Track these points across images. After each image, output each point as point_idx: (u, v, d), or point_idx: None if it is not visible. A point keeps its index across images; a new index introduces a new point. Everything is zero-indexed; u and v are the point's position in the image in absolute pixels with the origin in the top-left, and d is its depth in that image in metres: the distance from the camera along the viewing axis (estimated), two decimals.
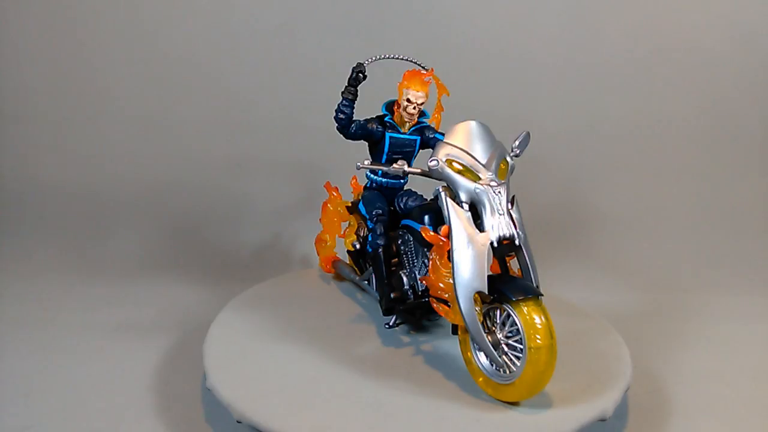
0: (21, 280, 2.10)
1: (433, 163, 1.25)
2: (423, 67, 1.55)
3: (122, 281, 2.11)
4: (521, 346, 1.16)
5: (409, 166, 1.50)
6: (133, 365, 1.58)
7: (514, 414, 1.18)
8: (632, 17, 2.52)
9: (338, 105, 1.48)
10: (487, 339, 1.20)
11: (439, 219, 1.33)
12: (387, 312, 1.46)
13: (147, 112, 2.56)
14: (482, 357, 1.25)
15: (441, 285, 1.26)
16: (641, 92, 2.56)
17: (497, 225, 1.21)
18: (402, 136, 1.53)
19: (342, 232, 1.78)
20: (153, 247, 2.34)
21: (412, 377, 1.30)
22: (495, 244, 1.21)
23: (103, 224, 2.44)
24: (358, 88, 1.48)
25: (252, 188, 2.53)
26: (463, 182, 1.23)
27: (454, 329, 1.31)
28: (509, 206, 1.24)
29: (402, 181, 1.59)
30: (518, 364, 1.17)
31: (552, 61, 2.55)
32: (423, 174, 1.33)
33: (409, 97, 1.47)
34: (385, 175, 1.58)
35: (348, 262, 1.80)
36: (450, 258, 1.20)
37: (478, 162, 1.25)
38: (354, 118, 1.50)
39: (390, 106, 1.54)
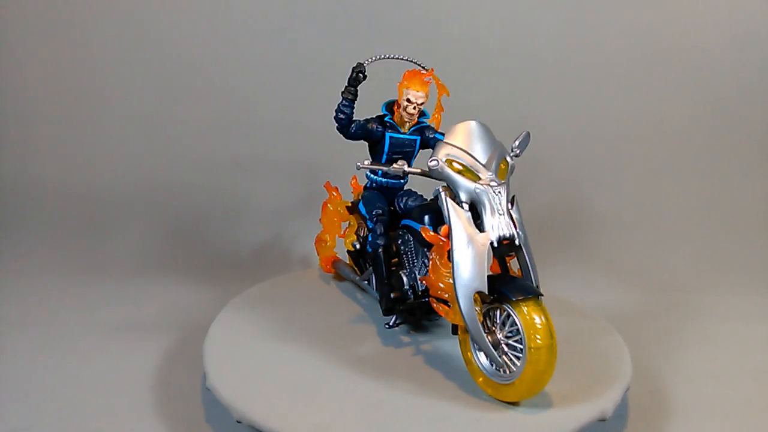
0: (21, 280, 2.10)
1: (433, 163, 1.25)
2: (423, 67, 1.55)
3: (122, 281, 2.10)
4: (521, 346, 1.16)
5: (409, 166, 1.50)
6: (133, 365, 1.58)
7: (514, 414, 1.18)
8: (632, 17, 2.52)
9: (338, 105, 1.48)
10: (487, 339, 1.20)
11: (439, 219, 1.33)
12: (387, 312, 1.46)
13: (147, 112, 2.56)
14: (482, 357, 1.25)
15: (441, 285, 1.26)
16: (641, 92, 2.56)
17: (497, 225, 1.21)
18: (402, 136, 1.53)
19: (342, 232, 1.78)
20: (153, 247, 2.34)
21: (412, 377, 1.30)
22: (495, 244, 1.21)
23: (103, 224, 2.43)
24: (358, 88, 1.48)
25: (252, 188, 2.53)
26: (463, 182, 1.23)
27: (454, 329, 1.31)
28: (509, 206, 1.24)
29: (402, 181, 1.59)
30: (518, 364, 1.17)
31: (552, 61, 2.55)
32: (423, 174, 1.33)
33: (409, 97, 1.47)
34: (385, 175, 1.58)
35: (348, 262, 1.80)
36: (450, 258, 1.20)
37: (478, 162, 1.25)
38: (354, 118, 1.50)
39: (390, 106, 1.54)
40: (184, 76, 2.55)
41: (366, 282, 1.65)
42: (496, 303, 1.22)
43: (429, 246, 1.32)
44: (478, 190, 1.22)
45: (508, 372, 1.20)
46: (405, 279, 1.46)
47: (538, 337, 1.13)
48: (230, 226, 2.45)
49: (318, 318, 1.57)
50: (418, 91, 1.46)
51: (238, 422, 1.19)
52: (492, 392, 1.23)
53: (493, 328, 1.23)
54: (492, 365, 1.23)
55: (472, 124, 1.28)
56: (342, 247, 1.78)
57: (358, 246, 1.70)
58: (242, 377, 1.28)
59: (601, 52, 2.54)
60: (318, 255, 1.90)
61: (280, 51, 2.53)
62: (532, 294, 1.17)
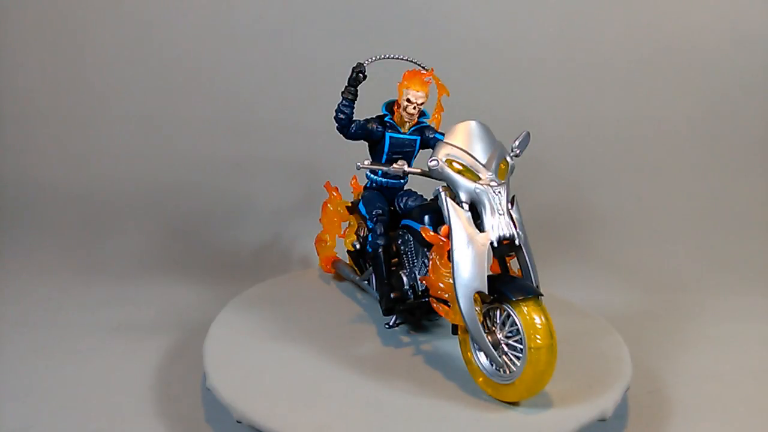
0: (21, 280, 2.10)
1: (433, 163, 1.25)
2: (423, 67, 1.55)
3: (122, 281, 2.10)
4: (521, 346, 1.16)
5: (409, 166, 1.50)
6: (133, 365, 1.58)
7: (514, 414, 1.18)
8: (632, 17, 2.52)
9: (338, 105, 1.48)
10: (487, 339, 1.20)
11: (439, 219, 1.33)
12: (387, 312, 1.46)
13: (147, 112, 2.56)
14: (482, 357, 1.25)
15: (441, 285, 1.26)
16: (641, 92, 2.56)
17: (497, 225, 1.21)
18: (402, 136, 1.53)
19: (342, 232, 1.78)
20: (153, 247, 2.34)
21: (412, 377, 1.30)
22: (495, 244, 1.21)
23: (103, 224, 2.43)
24: (358, 88, 1.48)
25: (252, 188, 2.53)
26: (463, 182, 1.23)
27: (454, 329, 1.31)
28: (509, 206, 1.24)
29: (402, 181, 1.59)
30: (518, 364, 1.17)
31: (552, 61, 2.55)
32: (423, 174, 1.33)
33: (409, 97, 1.47)
34: (385, 175, 1.58)
35: (348, 262, 1.80)
36: (450, 258, 1.20)
37: (478, 162, 1.25)
38: (354, 118, 1.50)
39: (390, 106, 1.54)
40: (184, 76, 2.55)
41: (366, 282, 1.65)
42: (496, 303, 1.22)
43: (429, 246, 1.32)
44: (478, 190, 1.22)
45: (508, 372, 1.20)
46: (405, 279, 1.46)
47: (538, 337, 1.13)
48: (230, 226, 2.45)
49: (318, 318, 1.57)
50: (418, 91, 1.46)
51: (238, 422, 1.19)
52: (492, 392, 1.23)
53: (493, 328, 1.23)
54: (492, 365, 1.23)
55: (472, 124, 1.28)
56: (342, 247, 1.78)
57: (358, 246, 1.70)
58: (242, 377, 1.29)
59: (601, 52, 2.54)
60: (318, 255, 1.90)
61: (280, 51, 2.53)
62: (532, 294, 1.17)
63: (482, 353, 1.25)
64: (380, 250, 1.50)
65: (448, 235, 1.22)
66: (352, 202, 1.72)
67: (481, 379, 1.25)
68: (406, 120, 1.51)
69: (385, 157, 1.53)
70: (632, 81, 2.55)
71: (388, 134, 1.52)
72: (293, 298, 1.69)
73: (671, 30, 2.51)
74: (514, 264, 1.30)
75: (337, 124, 1.50)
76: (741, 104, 2.54)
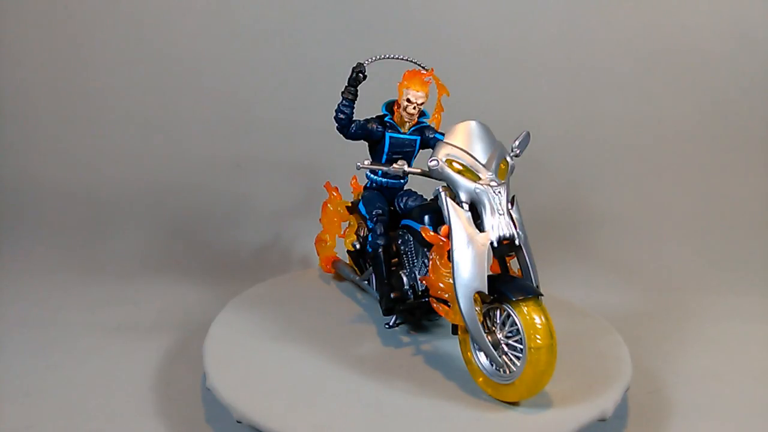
0: (21, 280, 2.10)
1: (433, 163, 1.25)
2: (423, 67, 1.55)
3: (122, 281, 2.11)
4: (521, 346, 1.16)
5: (409, 166, 1.50)
6: (133, 365, 1.58)
7: (514, 414, 1.18)
8: (632, 17, 2.52)
9: (338, 105, 1.48)
10: (487, 339, 1.20)
11: (439, 219, 1.33)
12: (387, 312, 1.46)
13: (147, 112, 2.56)
14: (482, 357, 1.25)
15: (441, 285, 1.26)
16: (641, 92, 2.56)
17: (497, 225, 1.21)
18: (402, 136, 1.53)
19: (342, 232, 1.78)
20: (153, 248, 2.34)
21: (412, 377, 1.30)
22: (495, 244, 1.21)
23: (103, 224, 2.44)
24: (358, 88, 1.48)
25: (252, 188, 2.53)
26: (463, 182, 1.23)
27: (454, 329, 1.31)
28: (509, 206, 1.24)
29: (402, 181, 1.59)
30: (518, 364, 1.17)
31: (552, 61, 2.55)
32: (423, 174, 1.33)
33: (409, 97, 1.47)
34: (385, 175, 1.58)
35: (348, 262, 1.80)
36: (450, 258, 1.20)
37: (478, 162, 1.25)
38: (354, 118, 1.50)
39: (390, 106, 1.54)
40: (184, 76, 2.55)
41: (366, 282, 1.65)
42: (496, 303, 1.22)
43: (429, 246, 1.32)
44: (478, 190, 1.22)
45: (508, 372, 1.20)
46: (405, 279, 1.46)
47: (538, 337, 1.13)
48: (230, 226, 2.45)
49: (318, 318, 1.57)
50: (418, 91, 1.46)
51: (238, 422, 1.19)
52: (492, 392, 1.23)
53: (493, 328, 1.23)
54: (492, 365, 1.23)
55: (472, 124, 1.28)
56: (342, 247, 1.78)
57: (358, 246, 1.70)
58: (242, 377, 1.29)
59: (601, 53, 2.54)
60: (318, 255, 1.90)
61: (280, 51, 2.53)
62: (532, 294, 1.17)
63: (482, 353, 1.25)
64: (380, 250, 1.50)
65: (448, 235, 1.22)
66: (352, 202, 1.72)
67: (481, 379, 1.25)
68: (406, 120, 1.51)
69: (385, 157, 1.53)
70: (632, 81, 2.55)
71: (388, 134, 1.52)
72: (293, 298, 1.69)
73: (672, 30, 2.51)
74: (514, 264, 1.30)
75: (337, 124, 1.50)
76: (741, 104, 2.54)
